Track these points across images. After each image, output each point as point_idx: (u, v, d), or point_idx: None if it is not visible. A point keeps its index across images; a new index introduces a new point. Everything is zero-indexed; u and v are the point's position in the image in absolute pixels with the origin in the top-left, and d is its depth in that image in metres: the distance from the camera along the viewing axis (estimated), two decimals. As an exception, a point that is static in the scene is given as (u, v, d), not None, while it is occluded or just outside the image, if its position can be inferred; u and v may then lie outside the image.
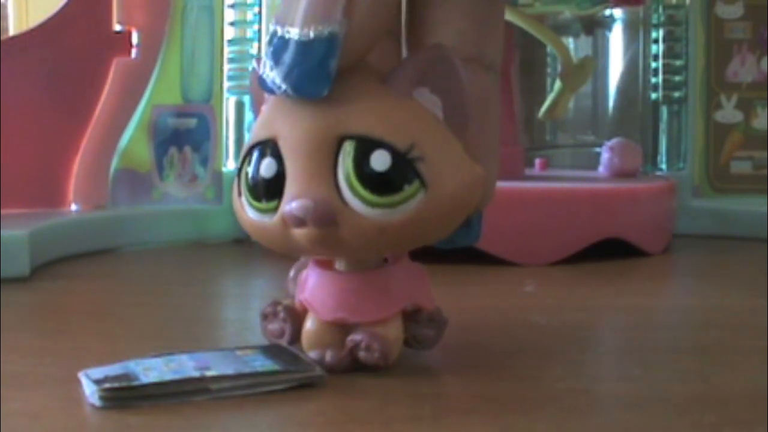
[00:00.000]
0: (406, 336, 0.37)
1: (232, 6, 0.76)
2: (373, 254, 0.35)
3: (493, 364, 0.38)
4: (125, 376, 0.32)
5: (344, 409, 0.32)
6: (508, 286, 0.57)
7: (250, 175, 0.34)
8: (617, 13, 0.88)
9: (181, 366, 0.34)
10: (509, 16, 0.67)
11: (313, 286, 0.36)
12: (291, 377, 0.34)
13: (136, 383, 0.32)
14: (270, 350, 0.36)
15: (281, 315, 0.37)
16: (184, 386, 0.32)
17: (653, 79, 0.85)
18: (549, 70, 0.91)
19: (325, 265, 0.36)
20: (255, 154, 0.34)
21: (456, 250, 0.62)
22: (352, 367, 0.35)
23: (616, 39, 0.90)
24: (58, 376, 0.35)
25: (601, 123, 0.91)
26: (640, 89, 0.87)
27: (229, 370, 0.33)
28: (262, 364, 0.34)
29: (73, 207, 0.71)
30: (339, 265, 0.36)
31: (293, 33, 0.32)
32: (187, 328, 0.45)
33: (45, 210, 0.69)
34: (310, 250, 0.35)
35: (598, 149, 0.80)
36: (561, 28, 0.89)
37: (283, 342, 0.37)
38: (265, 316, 0.37)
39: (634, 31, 0.88)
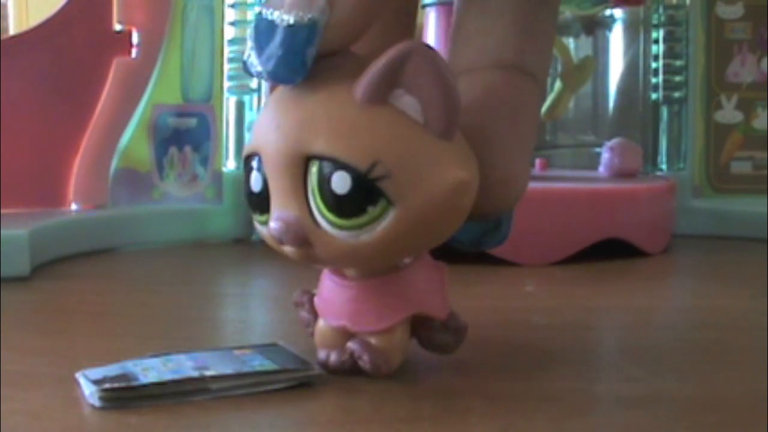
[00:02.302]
0: (422, 341, 0.36)
1: (232, 6, 0.76)
2: (361, 267, 0.35)
3: (493, 364, 0.38)
4: (124, 377, 0.32)
5: (344, 409, 0.32)
6: (508, 286, 0.57)
7: (246, 187, 0.34)
8: (617, 13, 0.88)
9: (180, 366, 0.34)
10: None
11: (323, 290, 0.36)
12: (290, 376, 0.34)
13: (135, 383, 0.32)
14: (268, 350, 0.36)
15: (307, 306, 0.37)
16: (183, 386, 0.32)
17: (653, 80, 0.85)
18: (549, 70, 0.91)
19: (337, 270, 0.36)
20: (248, 166, 0.33)
21: (455, 251, 0.62)
22: (354, 370, 0.35)
23: (616, 39, 0.90)
24: (58, 375, 0.35)
25: (601, 123, 0.91)
26: (641, 89, 0.87)
27: (228, 370, 0.33)
28: (260, 363, 0.34)
29: (73, 207, 0.71)
30: (349, 271, 0.35)
31: (275, 16, 0.31)
32: (187, 327, 0.45)
33: (45, 210, 0.69)
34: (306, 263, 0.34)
35: (598, 149, 0.80)
36: (561, 28, 0.89)
37: (309, 332, 0.37)
38: (296, 305, 0.38)
39: (635, 31, 0.88)
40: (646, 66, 0.86)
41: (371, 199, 0.31)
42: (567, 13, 0.88)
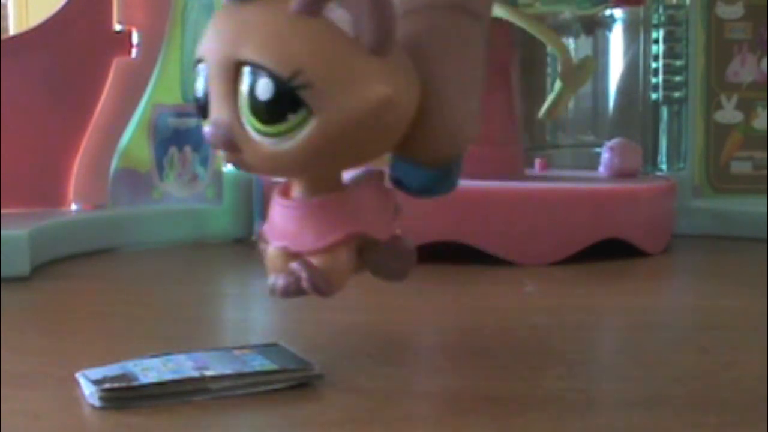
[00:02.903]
0: (370, 267, 0.36)
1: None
2: (291, 175, 0.35)
3: (493, 364, 0.38)
4: (124, 377, 0.32)
5: (344, 409, 0.32)
6: (508, 286, 0.57)
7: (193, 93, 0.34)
8: (617, 13, 0.88)
9: (180, 366, 0.34)
10: (509, 15, 0.67)
11: (270, 214, 0.36)
12: (289, 376, 0.34)
13: (135, 383, 0.32)
14: (268, 350, 0.36)
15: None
16: (183, 386, 0.32)
17: (653, 80, 0.85)
18: (549, 70, 0.91)
19: (284, 192, 0.36)
20: (196, 72, 0.34)
21: (455, 251, 0.62)
22: (301, 292, 0.34)
23: (616, 39, 0.90)
24: (58, 376, 0.35)
25: (601, 123, 0.91)
26: (641, 89, 0.87)
27: (228, 370, 0.33)
28: (260, 363, 0.34)
29: (73, 207, 0.71)
30: (295, 191, 0.35)
31: None
32: (187, 327, 0.45)
33: (45, 210, 0.69)
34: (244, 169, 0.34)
35: (598, 149, 0.80)
36: (561, 28, 0.89)
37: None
38: (259, 237, 0.37)
39: (635, 31, 0.88)
40: (646, 66, 0.86)
41: (292, 107, 0.31)
42: (567, 13, 0.88)
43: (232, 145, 0.32)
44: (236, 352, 0.35)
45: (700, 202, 0.82)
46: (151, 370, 0.33)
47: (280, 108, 0.31)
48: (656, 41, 0.84)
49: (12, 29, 1.10)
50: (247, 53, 0.31)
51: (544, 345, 0.42)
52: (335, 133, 0.31)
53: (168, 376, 0.32)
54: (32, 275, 0.57)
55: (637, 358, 0.41)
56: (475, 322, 0.47)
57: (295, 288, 0.34)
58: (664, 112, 0.84)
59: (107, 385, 0.32)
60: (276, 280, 0.35)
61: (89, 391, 0.32)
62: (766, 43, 0.83)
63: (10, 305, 0.49)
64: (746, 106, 0.83)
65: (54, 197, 0.71)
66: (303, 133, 0.31)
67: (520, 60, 0.74)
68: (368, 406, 0.32)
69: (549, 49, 0.84)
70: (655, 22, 0.84)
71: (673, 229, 0.74)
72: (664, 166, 0.85)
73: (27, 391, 0.34)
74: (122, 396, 0.31)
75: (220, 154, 0.33)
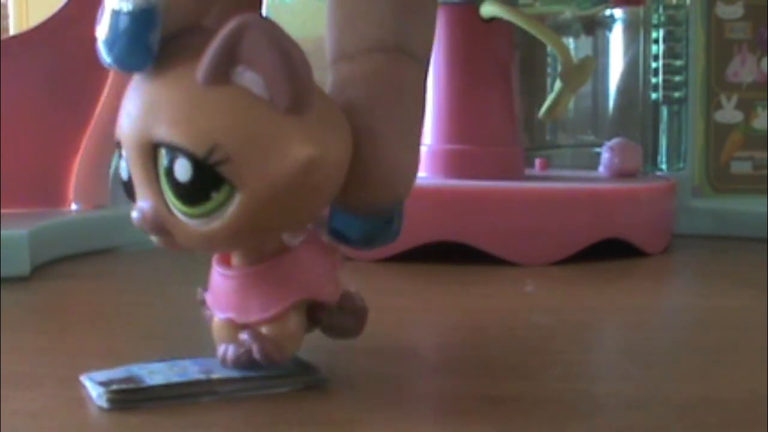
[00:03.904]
0: (323, 326, 0.35)
1: (232, 6, 0.76)
2: (228, 250, 0.34)
3: (493, 364, 0.38)
4: (131, 379, 0.32)
5: (344, 409, 0.32)
6: (508, 286, 0.57)
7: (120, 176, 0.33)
8: (617, 13, 0.88)
9: (185, 370, 0.34)
10: (509, 15, 0.67)
11: (212, 284, 0.35)
12: (295, 380, 0.34)
13: (143, 385, 0.32)
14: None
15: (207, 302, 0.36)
16: (191, 388, 0.32)
17: (653, 80, 0.85)
18: (549, 70, 0.91)
19: (223, 260, 0.35)
20: (120, 155, 0.33)
21: (455, 251, 0.62)
22: (253, 362, 0.33)
23: (616, 39, 0.90)
24: (58, 376, 0.35)
25: (601, 123, 0.91)
26: (641, 89, 0.87)
27: (234, 373, 0.33)
28: (265, 367, 0.34)
29: (73, 207, 0.71)
30: (235, 259, 0.34)
31: (116, 4, 0.31)
32: (187, 327, 0.45)
33: (45, 210, 0.69)
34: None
35: (598, 149, 0.80)
36: (561, 28, 0.89)
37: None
38: (200, 303, 0.37)
39: (635, 31, 0.88)
40: (646, 66, 0.86)
41: (214, 184, 0.30)
42: (567, 13, 0.88)
43: (162, 230, 0.31)
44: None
45: (700, 202, 0.82)
46: (157, 373, 0.33)
47: (202, 188, 0.30)
48: (656, 41, 0.84)
49: (12, 29, 1.10)
50: (160, 133, 0.30)
51: (544, 345, 0.42)
52: (264, 203, 0.30)
53: (174, 379, 0.32)
54: (32, 275, 0.57)
55: (637, 358, 0.41)
56: (475, 322, 0.47)
57: (246, 359, 0.33)
58: (664, 112, 0.84)
59: (115, 387, 0.32)
60: (226, 349, 0.34)
61: (96, 393, 0.32)
62: (766, 43, 0.83)
63: (10, 305, 0.49)
64: (746, 106, 0.83)
65: (54, 197, 0.71)
66: (230, 210, 0.30)
67: (520, 60, 0.74)
68: (368, 406, 0.32)
69: (549, 49, 0.84)
70: (655, 22, 0.84)
71: (673, 229, 0.74)
72: (664, 166, 0.85)
73: (27, 391, 0.34)
74: (130, 398, 0.31)
75: (152, 238, 0.32)
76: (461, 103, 0.70)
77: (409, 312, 0.50)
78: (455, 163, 0.69)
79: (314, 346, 0.36)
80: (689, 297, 0.58)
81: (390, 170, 0.33)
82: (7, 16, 1.13)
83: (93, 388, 0.32)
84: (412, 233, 0.63)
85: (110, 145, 0.73)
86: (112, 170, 0.72)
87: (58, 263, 0.63)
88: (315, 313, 0.35)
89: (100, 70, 0.73)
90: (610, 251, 0.65)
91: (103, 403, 0.31)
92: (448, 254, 0.63)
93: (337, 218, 0.34)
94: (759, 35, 0.83)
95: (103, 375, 0.33)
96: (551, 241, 0.64)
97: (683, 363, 0.40)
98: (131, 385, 0.32)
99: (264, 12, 0.79)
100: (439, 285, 0.58)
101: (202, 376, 0.33)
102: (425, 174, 0.71)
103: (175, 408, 0.31)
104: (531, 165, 0.80)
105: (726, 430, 0.30)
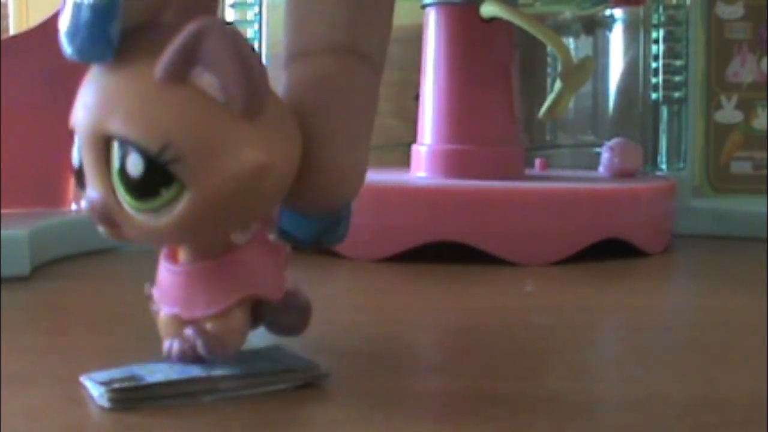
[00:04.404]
0: (267, 324, 0.36)
1: (232, 6, 0.76)
2: (175, 245, 0.34)
3: (493, 364, 0.38)
4: (132, 378, 0.32)
5: (345, 409, 0.32)
6: (508, 286, 0.57)
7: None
8: (617, 13, 0.88)
9: (186, 368, 0.34)
10: (509, 15, 0.67)
11: (159, 279, 0.35)
12: (295, 377, 0.34)
13: (143, 383, 0.32)
14: (271, 351, 0.36)
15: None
16: (192, 386, 0.32)
17: (653, 80, 0.85)
18: (549, 70, 0.91)
19: (171, 256, 0.35)
20: (72, 142, 0.33)
21: (455, 251, 0.62)
22: (197, 357, 0.34)
23: (616, 39, 0.90)
24: (58, 375, 0.35)
25: (601, 123, 0.91)
26: (641, 89, 0.87)
27: (235, 370, 0.33)
28: (266, 364, 0.34)
29: (73, 207, 0.71)
30: (182, 255, 0.34)
31: None
32: (187, 328, 0.45)
33: (45, 210, 0.69)
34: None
35: (598, 149, 0.80)
36: (561, 28, 0.89)
37: None
38: (147, 298, 0.36)
39: (635, 31, 0.88)
40: (646, 66, 0.86)
41: (164, 181, 0.30)
42: (567, 13, 0.88)
43: (110, 222, 0.32)
44: (240, 354, 0.35)
45: (700, 202, 0.82)
46: (157, 371, 0.33)
47: (152, 184, 0.30)
48: (656, 41, 0.84)
49: (12, 29, 1.10)
50: (114, 127, 0.30)
51: (544, 345, 0.42)
52: (211, 203, 0.30)
53: (175, 376, 0.33)
54: (32, 275, 0.57)
55: (637, 358, 0.41)
56: (475, 322, 0.47)
57: (191, 354, 0.34)
58: (664, 112, 0.84)
59: (116, 386, 0.32)
60: (171, 344, 0.34)
61: (98, 393, 0.32)
62: (766, 43, 0.83)
63: (10, 305, 0.49)
64: (746, 106, 0.83)
65: (54, 197, 0.71)
66: (178, 207, 0.30)
67: (520, 60, 0.74)
68: (368, 406, 0.32)
69: (549, 49, 0.84)
70: (655, 22, 0.84)
71: (673, 229, 0.74)
72: (664, 166, 0.85)
73: (27, 390, 0.34)
74: (132, 396, 0.32)
75: (99, 229, 0.33)
76: (461, 103, 0.70)
77: (409, 312, 0.50)
78: (455, 163, 0.69)
79: (315, 345, 0.36)
80: (689, 297, 0.58)
81: (338, 174, 0.33)
82: (7, 16, 1.12)
83: (94, 387, 0.32)
84: (412, 233, 0.64)
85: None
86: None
87: (58, 263, 0.63)
88: (260, 311, 0.35)
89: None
90: (610, 251, 0.65)
91: (104, 402, 0.31)
92: (448, 254, 0.63)
93: (286, 218, 0.35)
94: (759, 35, 0.83)
95: (104, 375, 0.33)
96: (551, 241, 0.64)
97: (683, 363, 0.40)
98: (132, 384, 0.32)
99: (262, 11, 0.79)
100: (439, 285, 0.58)
101: (202, 373, 0.33)
102: (425, 174, 0.71)
103: (175, 408, 0.31)
104: (531, 165, 0.80)
105: (726, 430, 0.30)
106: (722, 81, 0.83)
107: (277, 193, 0.32)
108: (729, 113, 0.83)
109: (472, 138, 0.70)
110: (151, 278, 0.35)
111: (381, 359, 0.39)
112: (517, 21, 0.67)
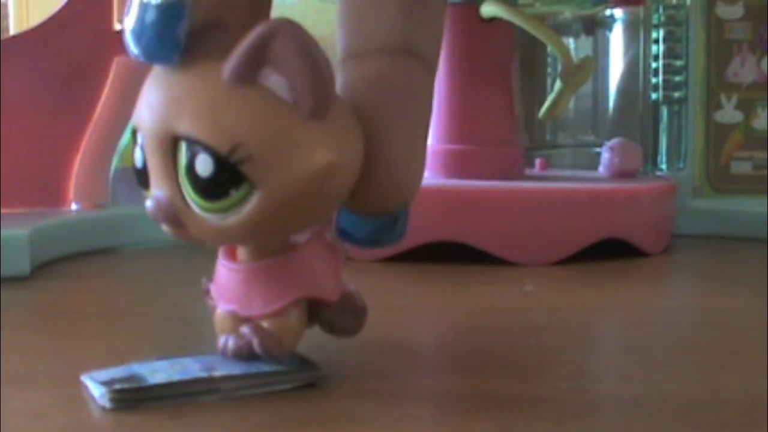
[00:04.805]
0: (322, 325, 0.36)
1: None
2: (238, 244, 0.34)
3: (493, 364, 0.38)
4: (133, 378, 0.32)
5: (345, 409, 0.32)
6: (508, 286, 0.57)
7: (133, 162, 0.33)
8: (617, 13, 0.88)
9: (187, 368, 0.34)
10: (509, 15, 0.67)
11: (217, 276, 0.36)
12: (297, 377, 0.34)
13: (145, 384, 0.32)
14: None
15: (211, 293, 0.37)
16: (193, 386, 0.32)
17: (653, 80, 0.85)
18: (549, 70, 0.91)
19: (229, 254, 0.35)
20: (135, 141, 0.33)
21: (455, 251, 0.62)
22: (252, 355, 0.34)
23: (616, 39, 0.90)
24: (58, 375, 0.35)
25: (601, 123, 0.91)
26: (641, 89, 0.87)
27: (236, 371, 0.33)
28: (267, 364, 0.34)
29: (74, 206, 0.71)
30: (241, 253, 0.35)
31: None
32: (187, 327, 0.45)
33: (45, 210, 0.69)
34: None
35: (598, 149, 0.80)
36: (561, 28, 0.89)
37: None
38: (204, 293, 0.37)
39: (635, 31, 0.88)
40: (646, 66, 0.86)
41: (234, 182, 0.30)
42: (567, 13, 0.88)
43: (176, 221, 0.32)
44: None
45: (700, 202, 0.82)
46: (158, 371, 0.33)
47: (221, 184, 0.30)
48: (656, 41, 0.84)
49: (12, 29, 1.10)
50: (183, 128, 0.30)
51: (544, 345, 0.42)
52: (280, 204, 0.31)
53: (176, 377, 0.33)
54: (32, 275, 0.57)
55: (637, 358, 0.41)
56: (475, 322, 0.47)
57: (246, 351, 0.34)
58: (664, 112, 0.84)
59: (117, 386, 0.32)
60: (227, 340, 0.34)
61: (99, 393, 0.32)
62: (766, 43, 0.83)
63: (10, 305, 0.49)
64: (746, 106, 0.83)
65: (54, 197, 0.71)
66: (247, 207, 0.31)
67: (520, 60, 0.74)
68: (368, 406, 0.32)
69: (549, 49, 0.84)
70: (655, 22, 0.84)
71: (673, 229, 0.74)
72: (664, 166, 0.85)
73: (27, 390, 0.34)
74: (133, 397, 0.32)
75: (163, 228, 0.33)
76: (461, 103, 0.70)
77: (409, 312, 0.50)
78: (455, 163, 0.69)
79: (315, 344, 0.36)
80: (689, 297, 0.58)
81: (397, 174, 0.33)
82: (7, 16, 1.12)
83: (95, 387, 0.32)
84: (412, 233, 0.63)
85: (110, 145, 0.73)
86: (112, 170, 0.72)
87: (58, 263, 0.63)
88: (316, 311, 0.35)
89: (100, 70, 0.73)
90: (610, 251, 0.65)
91: (105, 402, 0.31)
92: (448, 254, 0.63)
93: (344, 218, 0.34)
94: (759, 35, 0.83)
95: (105, 374, 0.33)
96: (551, 241, 0.64)
97: (683, 363, 0.40)
98: (133, 384, 0.32)
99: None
100: (439, 285, 0.58)
101: (203, 374, 0.33)
102: (425, 174, 0.71)
103: (175, 407, 0.31)
104: (531, 165, 0.80)
105: (726, 430, 0.30)
106: (722, 81, 0.83)
107: (343, 193, 0.32)
108: (729, 113, 0.83)
109: (472, 138, 0.70)
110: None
111: (381, 359, 0.39)
112: (517, 21, 0.67)
